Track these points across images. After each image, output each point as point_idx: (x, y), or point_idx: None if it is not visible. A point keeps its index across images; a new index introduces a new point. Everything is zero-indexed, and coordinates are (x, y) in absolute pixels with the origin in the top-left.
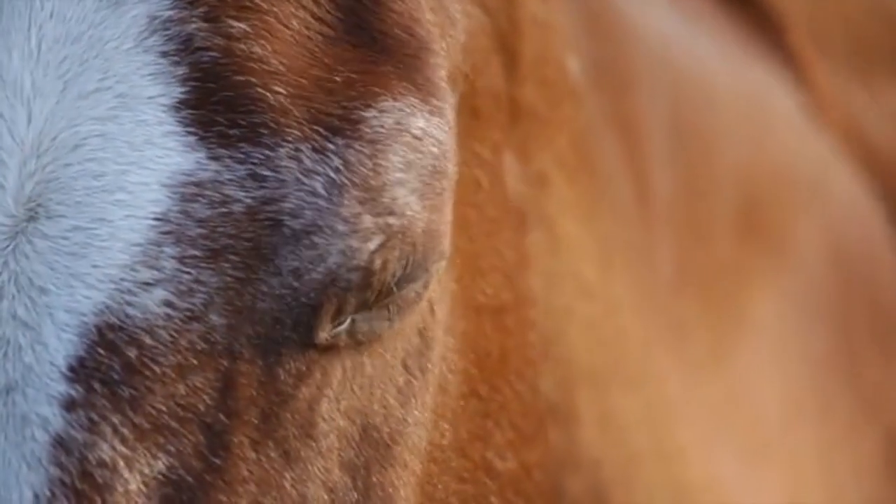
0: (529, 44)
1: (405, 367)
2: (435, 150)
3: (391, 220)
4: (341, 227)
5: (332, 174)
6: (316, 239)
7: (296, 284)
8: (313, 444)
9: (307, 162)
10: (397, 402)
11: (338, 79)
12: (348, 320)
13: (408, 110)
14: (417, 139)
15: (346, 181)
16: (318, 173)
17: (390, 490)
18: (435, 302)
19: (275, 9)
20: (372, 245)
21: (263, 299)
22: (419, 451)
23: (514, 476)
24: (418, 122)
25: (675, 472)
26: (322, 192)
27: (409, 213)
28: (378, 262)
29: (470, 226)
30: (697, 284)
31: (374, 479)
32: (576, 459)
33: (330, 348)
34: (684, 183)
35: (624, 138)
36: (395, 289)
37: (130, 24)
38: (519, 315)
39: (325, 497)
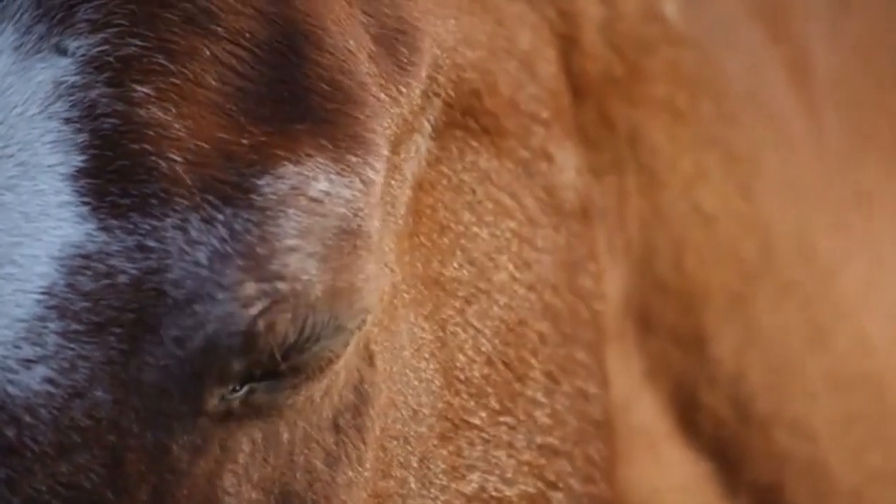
0: (590, 21)
1: (336, 427)
2: (341, 210)
3: (280, 285)
4: (221, 295)
5: (216, 244)
6: (196, 307)
7: (178, 353)
8: None
9: (193, 232)
10: (325, 466)
11: (245, 141)
12: (244, 389)
13: (308, 174)
14: (317, 202)
15: (230, 251)
16: (202, 243)
17: None
18: (376, 354)
19: (185, 69)
20: (253, 310)
21: (149, 371)
22: None
23: None
24: (319, 186)
25: (847, 365)
26: (204, 261)
27: (303, 277)
28: (262, 325)
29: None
30: (879, 149)
31: None
32: (710, 377)
33: (227, 420)
34: (852, 50)
35: (772, 25)
36: (296, 351)
37: (37, 90)
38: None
39: None
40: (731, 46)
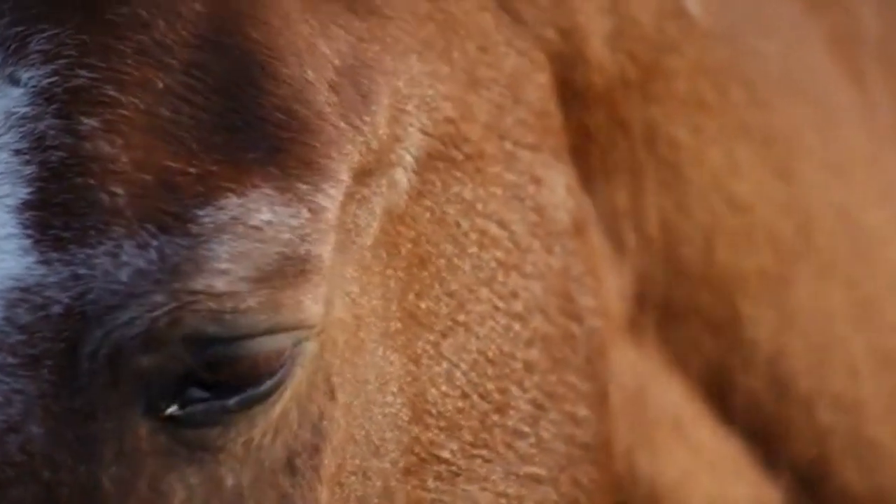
0: (595, 34)
1: (292, 468)
2: (285, 236)
3: (197, 296)
4: (130, 304)
5: (142, 264)
6: (106, 318)
7: (93, 367)
8: None
9: (124, 257)
10: None
11: (192, 171)
12: (170, 409)
13: (251, 205)
14: (257, 230)
15: (153, 269)
16: (129, 265)
17: None
18: (337, 387)
19: (135, 99)
20: (157, 313)
21: (77, 398)
22: None
23: None
24: (261, 216)
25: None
26: (125, 279)
27: (233, 295)
28: (164, 322)
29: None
30: None
31: None
32: (746, 358)
33: (155, 454)
34: None
35: None
36: (219, 345)
37: None
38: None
39: None
40: (765, 28)
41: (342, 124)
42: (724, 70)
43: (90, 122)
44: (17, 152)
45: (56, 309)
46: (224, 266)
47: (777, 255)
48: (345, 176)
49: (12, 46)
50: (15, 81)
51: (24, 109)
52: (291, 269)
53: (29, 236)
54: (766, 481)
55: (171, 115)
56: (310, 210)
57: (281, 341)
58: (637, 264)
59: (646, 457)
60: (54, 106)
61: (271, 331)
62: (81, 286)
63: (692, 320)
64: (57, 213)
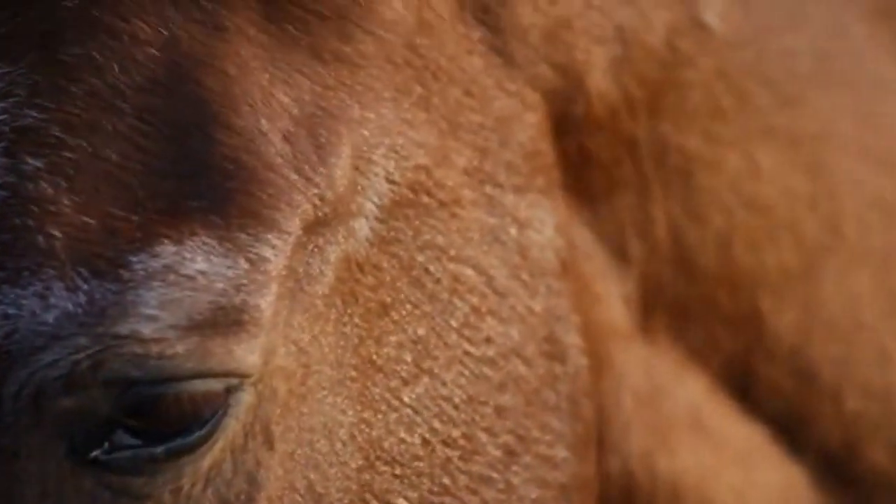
0: (596, 65)
1: None
2: (219, 286)
3: (120, 341)
4: (54, 346)
5: (70, 307)
6: (31, 359)
7: (17, 407)
8: None
9: (52, 299)
10: None
11: (134, 217)
12: (95, 452)
13: (186, 254)
14: (189, 279)
15: (79, 311)
16: (57, 307)
17: None
18: (276, 436)
19: (83, 142)
20: (80, 356)
21: (1, 436)
22: None
23: None
24: (196, 265)
25: None
26: (51, 321)
27: (159, 341)
28: (85, 365)
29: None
30: None
31: None
32: (769, 351)
33: (80, 498)
34: None
35: None
36: (142, 387)
37: None
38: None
39: None
40: (795, 21)
41: (294, 176)
42: (746, 75)
43: (34, 163)
44: None
45: None
46: (152, 312)
47: (801, 250)
48: (293, 227)
49: None
50: None
51: None
52: (224, 318)
53: None
54: (792, 465)
55: (119, 159)
56: (248, 261)
57: (209, 385)
58: (643, 271)
59: (665, 458)
60: (1, 144)
61: (197, 376)
62: (9, 326)
63: (708, 318)
64: None
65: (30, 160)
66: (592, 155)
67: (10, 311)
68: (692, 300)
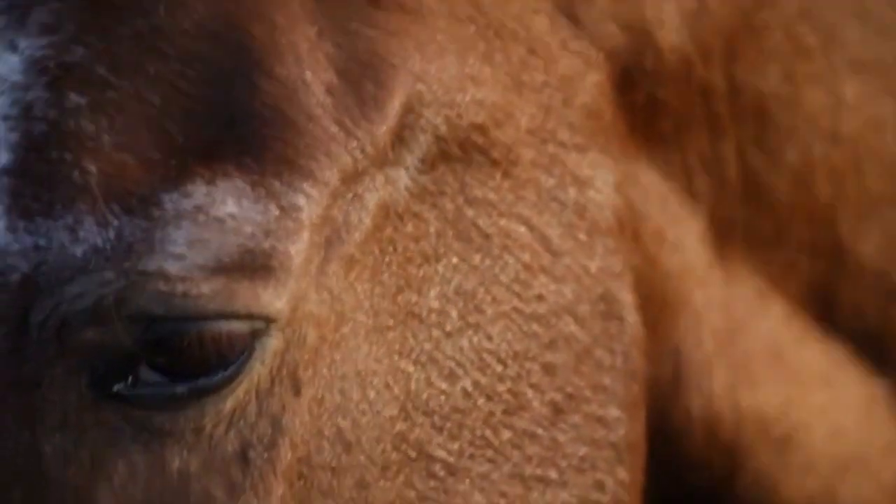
0: (667, 23)
1: (244, 460)
2: (248, 230)
3: (146, 277)
4: (80, 278)
5: (98, 242)
6: (56, 290)
7: (41, 337)
8: None
9: (81, 233)
10: (226, 497)
11: (169, 157)
12: (117, 386)
13: (218, 195)
14: (218, 220)
15: (107, 247)
16: (86, 241)
17: None
18: (304, 382)
19: (126, 82)
20: (105, 290)
21: (25, 366)
22: None
23: None
24: (226, 208)
25: None
26: (79, 255)
27: (185, 279)
28: (111, 299)
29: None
30: None
31: None
32: (852, 275)
33: (99, 425)
34: None
35: None
36: (167, 323)
37: None
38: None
39: None
40: None
41: (334, 128)
42: (833, 10)
43: (77, 100)
44: (5, 118)
45: (15, 276)
46: (179, 251)
47: (887, 176)
48: (330, 177)
49: (16, 14)
50: (13, 48)
51: (17, 77)
52: (252, 262)
53: (1, 202)
54: (876, 381)
55: (160, 102)
56: (280, 208)
57: (233, 327)
58: (713, 207)
59: (748, 392)
60: (45, 78)
61: (221, 316)
62: (39, 257)
63: (785, 247)
64: (30, 184)
65: (73, 96)
66: (662, 103)
67: (41, 242)
68: (767, 232)
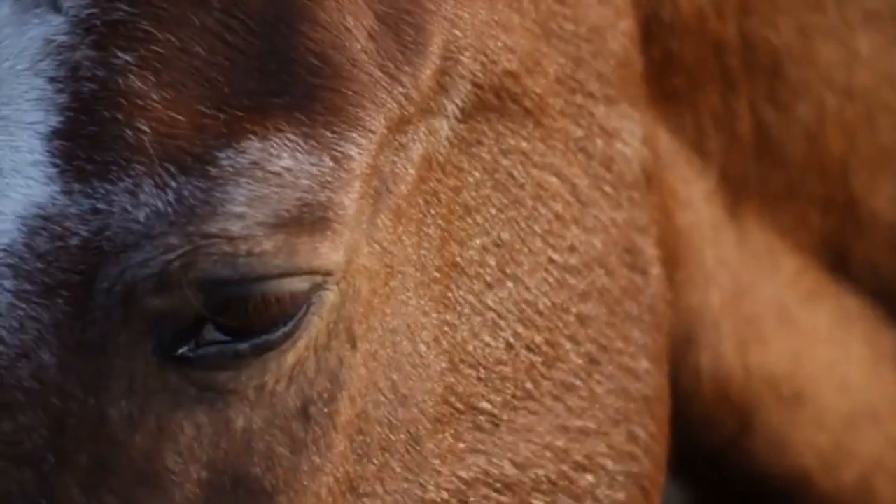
0: None
1: (305, 415)
2: (305, 182)
3: (211, 240)
4: (145, 244)
5: (160, 205)
6: (121, 256)
7: (107, 304)
8: (160, 494)
9: (142, 196)
10: (289, 453)
11: (220, 115)
12: (182, 349)
13: (272, 150)
14: (275, 175)
15: (169, 210)
16: (147, 205)
17: None
18: (359, 336)
19: (171, 36)
20: (171, 255)
21: (90, 331)
22: (315, 494)
23: None
24: (281, 162)
25: None
26: (142, 219)
27: (248, 238)
28: (177, 265)
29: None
30: None
31: None
32: (865, 228)
33: (164, 391)
34: None
35: None
36: (231, 286)
37: (28, 46)
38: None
39: None
40: None
41: (378, 73)
42: None
43: (125, 57)
44: (52, 80)
45: (74, 241)
46: (240, 209)
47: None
48: (378, 125)
49: None
50: (57, 9)
51: (62, 38)
52: (310, 215)
53: (55, 165)
54: (887, 333)
55: (206, 54)
56: (332, 158)
57: (295, 285)
58: (723, 164)
59: (757, 350)
60: (92, 37)
61: (285, 274)
62: (100, 221)
63: (797, 201)
64: (83, 145)
65: (120, 54)
66: (677, 58)
67: (100, 205)
68: (780, 187)
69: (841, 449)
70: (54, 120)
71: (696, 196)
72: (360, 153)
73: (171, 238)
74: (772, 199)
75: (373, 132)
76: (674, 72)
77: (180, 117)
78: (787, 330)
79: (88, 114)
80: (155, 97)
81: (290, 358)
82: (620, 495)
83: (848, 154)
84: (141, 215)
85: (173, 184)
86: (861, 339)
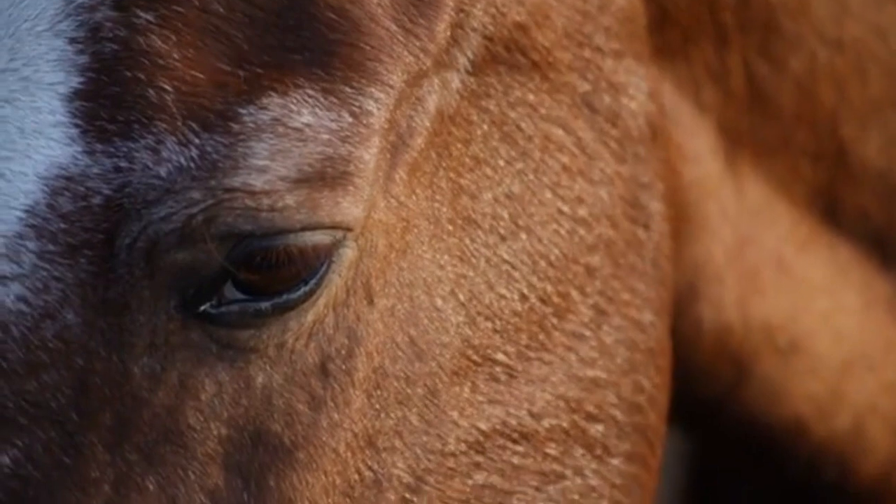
0: None
1: (324, 372)
2: (325, 137)
3: (233, 194)
4: (168, 199)
5: (182, 161)
6: (144, 212)
7: (129, 260)
8: (182, 451)
9: (164, 153)
10: (309, 409)
11: (241, 72)
12: (204, 306)
13: (293, 106)
14: (296, 130)
15: (191, 165)
16: (169, 161)
17: (290, 494)
18: (377, 291)
19: None
20: (194, 209)
21: (112, 288)
22: (335, 450)
23: None
24: (302, 118)
25: None
26: (164, 175)
27: (270, 193)
28: (200, 219)
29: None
30: None
31: (271, 483)
32: (855, 177)
33: (186, 347)
34: None
35: None
36: (254, 240)
37: (47, 6)
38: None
39: (203, 500)
40: None
41: (394, 27)
42: None
43: (145, 17)
44: (73, 41)
45: (97, 200)
46: (262, 163)
47: (888, 79)
48: (395, 79)
49: None
50: None
51: None
52: (332, 170)
53: (76, 126)
54: (882, 280)
55: (225, 12)
56: (352, 113)
57: (317, 238)
58: (719, 117)
59: (756, 301)
60: None
61: (307, 228)
62: (122, 179)
63: (790, 153)
64: (105, 105)
65: (141, 14)
66: (671, 14)
67: (122, 163)
68: (773, 139)
69: (835, 396)
70: (75, 81)
71: (702, 150)
72: (378, 108)
73: (194, 192)
74: (765, 151)
75: (391, 87)
76: (669, 27)
77: (201, 75)
78: (784, 281)
79: (110, 74)
80: (176, 56)
81: (310, 316)
82: (627, 445)
83: (838, 105)
84: (163, 171)
85: (196, 140)
86: (855, 287)
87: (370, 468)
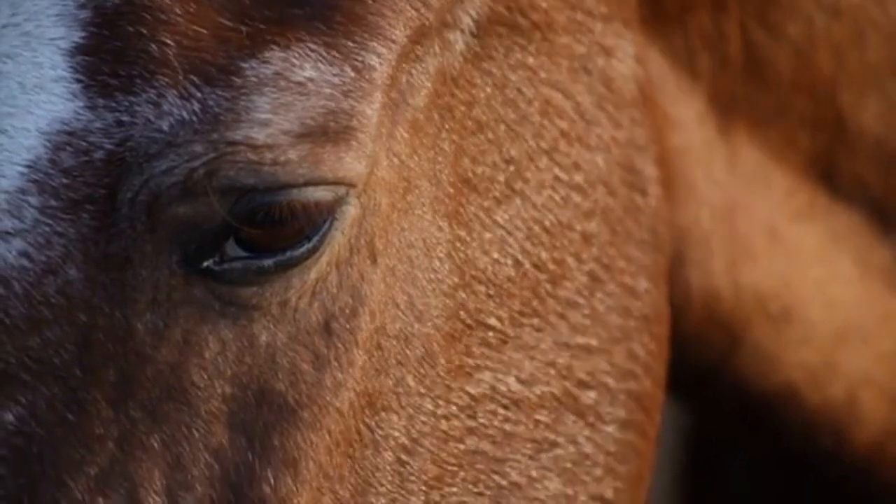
0: None
1: (328, 330)
2: (328, 91)
3: (235, 147)
4: (169, 153)
5: (184, 115)
6: (145, 166)
7: (131, 213)
8: (186, 409)
9: (165, 106)
10: (313, 369)
11: (242, 27)
12: (207, 262)
13: (295, 60)
14: (298, 84)
15: (193, 119)
16: (171, 115)
17: (294, 453)
18: (379, 251)
19: None
20: (196, 163)
21: (114, 243)
22: (338, 409)
23: None
24: (304, 72)
25: None
26: (166, 128)
27: (272, 146)
28: (202, 172)
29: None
30: None
31: (276, 442)
32: (852, 144)
33: (189, 303)
34: None
35: None
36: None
37: None
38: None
39: (207, 458)
40: None
41: None
42: None
43: None
44: None
45: (99, 154)
46: (265, 117)
47: (887, 46)
48: (398, 34)
49: None
50: None
51: None
52: (334, 124)
53: (78, 81)
54: (877, 247)
55: None
56: (354, 68)
57: (319, 194)
58: (713, 84)
59: (747, 268)
60: None
61: (309, 183)
62: (124, 133)
63: (787, 120)
64: (106, 60)
65: None
66: None
67: (124, 118)
68: (769, 106)
69: (829, 365)
70: (77, 35)
71: (687, 117)
72: (380, 63)
73: (196, 146)
74: (762, 118)
75: (393, 41)
76: None
77: (203, 30)
78: (777, 248)
79: (111, 29)
80: (178, 11)
81: (314, 274)
82: (622, 412)
83: (836, 72)
84: (165, 125)
85: (198, 94)
86: (851, 255)
87: (369, 428)
